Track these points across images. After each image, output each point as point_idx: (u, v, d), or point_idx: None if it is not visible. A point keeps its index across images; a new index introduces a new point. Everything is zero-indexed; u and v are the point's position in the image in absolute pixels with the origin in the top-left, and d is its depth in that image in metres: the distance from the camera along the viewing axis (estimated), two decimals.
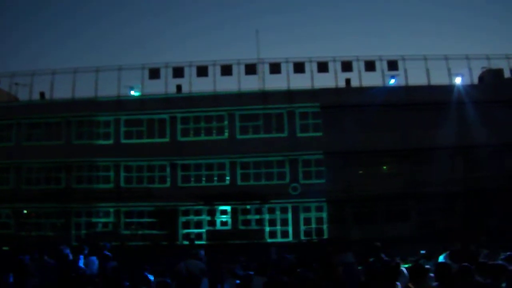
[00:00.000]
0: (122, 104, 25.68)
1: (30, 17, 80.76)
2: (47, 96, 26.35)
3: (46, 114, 25.73)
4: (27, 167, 25.96)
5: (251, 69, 25.28)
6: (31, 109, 25.98)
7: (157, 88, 25.62)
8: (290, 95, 25.16)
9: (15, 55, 75.72)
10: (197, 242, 22.55)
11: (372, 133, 24.17)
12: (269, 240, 23.98)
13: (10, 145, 25.91)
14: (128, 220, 25.15)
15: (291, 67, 25.25)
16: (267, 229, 24.64)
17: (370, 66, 25.40)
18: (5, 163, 25.71)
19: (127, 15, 79.44)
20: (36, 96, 26.37)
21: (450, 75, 25.73)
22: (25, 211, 25.72)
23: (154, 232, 24.52)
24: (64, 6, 78.82)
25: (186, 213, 25.04)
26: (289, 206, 24.74)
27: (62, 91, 25.89)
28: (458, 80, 25.74)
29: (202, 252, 17.44)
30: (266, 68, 25.49)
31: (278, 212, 24.82)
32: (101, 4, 77.81)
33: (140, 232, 24.60)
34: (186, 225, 24.94)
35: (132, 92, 26.20)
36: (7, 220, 25.52)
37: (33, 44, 78.61)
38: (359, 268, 11.85)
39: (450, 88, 25.25)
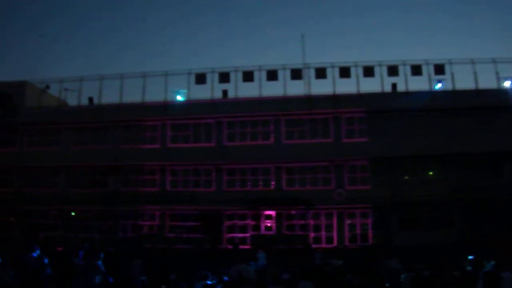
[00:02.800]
0: (168, 108, 26.01)
1: (78, 25, 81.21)
2: (95, 101, 27.03)
3: (94, 118, 26.33)
4: (75, 170, 26.58)
5: (296, 74, 25.25)
6: (79, 114, 26.68)
7: (203, 93, 25.95)
8: (335, 100, 24.99)
9: (62, 61, 76.82)
10: (241, 247, 22.70)
11: (418, 138, 23.85)
12: (313, 246, 23.94)
13: (59, 149, 26.60)
14: (173, 223, 25.51)
15: (337, 71, 25.10)
16: (312, 234, 24.61)
17: (416, 70, 25.05)
18: (54, 166, 26.38)
19: (170, 16, 79.31)
20: (84, 101, 27.12)
21: (499, 78, 25.16)
22: (73, 213, 26.32)
23: (199, 235, 24.75)
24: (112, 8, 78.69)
25: (230, 217, 25.21)
26: (334, 211, 24.65)
27: (109, 96, 26.36)
28: (507, 84, 25.18)
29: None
30: (312, 73, 25.47)
31: (323, 218, 24.76)
32: (147, 3, 77.53)
33: (184, 235, 24.92)
34: (231, 229, 25.12)
35: (178, 97, 26.50)
36: (55, 221, 26.17)
37: (79, 49, 79.45)
38: (404, 275, 11.73)
39: (499, 92, 24.71)
